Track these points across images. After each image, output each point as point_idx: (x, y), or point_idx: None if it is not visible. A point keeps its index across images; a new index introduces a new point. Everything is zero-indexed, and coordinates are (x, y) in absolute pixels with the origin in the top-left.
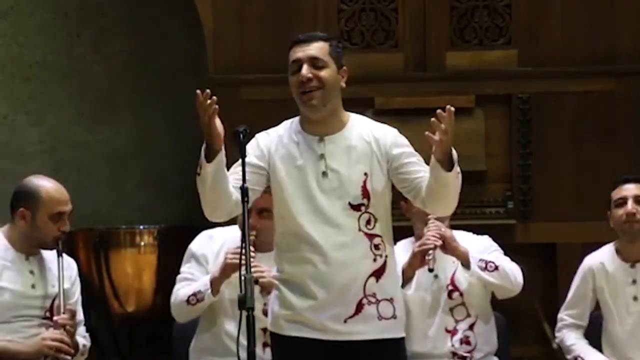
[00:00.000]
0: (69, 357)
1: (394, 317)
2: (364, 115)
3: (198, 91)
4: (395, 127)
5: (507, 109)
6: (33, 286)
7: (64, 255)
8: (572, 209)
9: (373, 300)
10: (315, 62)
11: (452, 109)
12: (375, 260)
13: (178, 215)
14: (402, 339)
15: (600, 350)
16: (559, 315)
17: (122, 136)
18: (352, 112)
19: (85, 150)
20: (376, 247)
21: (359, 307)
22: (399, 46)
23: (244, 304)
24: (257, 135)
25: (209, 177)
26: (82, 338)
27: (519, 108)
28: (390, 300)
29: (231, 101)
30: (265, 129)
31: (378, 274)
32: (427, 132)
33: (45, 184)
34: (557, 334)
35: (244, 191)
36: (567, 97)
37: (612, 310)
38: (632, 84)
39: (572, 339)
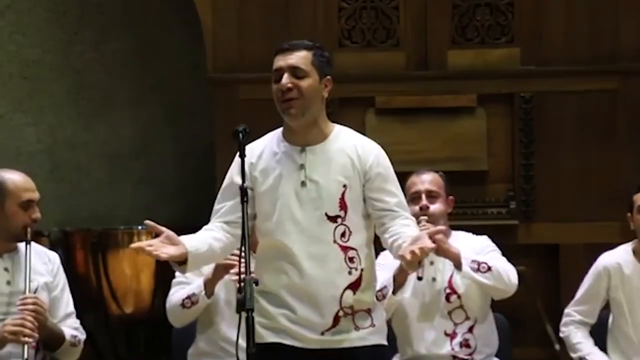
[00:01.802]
0: (30, 340)
1: (372, 325)
2: (364, 114)
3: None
4: (396, 126)
5: (509, 108)
6: (8, 283)
7: (45, 249)
8: (574, 209)
9: (349, 312)
10: (295, 72)
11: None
12: (350, 273)
13: (177, 215)
14: (382, 346)
15: (605, 350)
16: (566, 310)
17: (121, 136)
18: (353, 112)
19: (84, 149)
20: (350, 259)
21: (336, 320)
22: (400, 45)
23: (243, 305)
24: (237, 154)
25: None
26: (74, 330)
27: (521, 107)
28: (368, 311)
29: (230, 100)
30: (264, 128)
31: (354, 287)
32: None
33: (9, 175)
34: (562, 329)
35: (243, 191)
36: (570, 96)
37: (625, 312)
38: (635, 83)
39: (578, 337)
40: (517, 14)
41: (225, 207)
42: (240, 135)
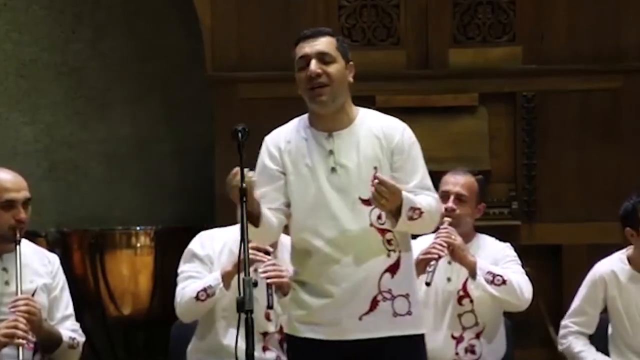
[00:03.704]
0: (24, 341)
1: (408, 313)
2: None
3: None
4: None
5: (511, 107)
6: (7, 283)
7: (45, 250)
8: (577, 210)
9: (388, 296)
10: (323, 57)
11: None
12: (388, 255)
13: (175, 216)
14: (419, 335)
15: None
16: (563, 323)
17: (119, 135)
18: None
19: (81, 149)
20: (389, 242)
21: (374, 304)
22: (400, 43)
23: (243, 306)
24: (266, 139)
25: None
26: (72, 332)
27: (523, 106)
28: (406, 296)
29: (229, 99)
30: (264, 128)
31: (393, 269)
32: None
33: None
34: (561, 341)
35: (242, 191)
36: (573, 95)
37: (624, 320)
38: (638, 82)
39: (579, 345)
40: (519, 12)
41: (265, 192)
42: (240, 134)
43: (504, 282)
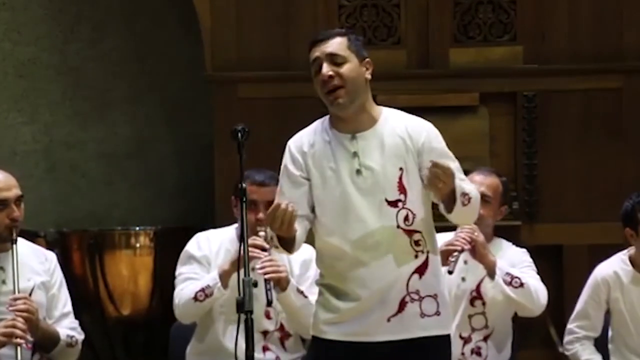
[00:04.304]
0: (22, 341)
1: (437, 313)
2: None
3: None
4: None
5: (512, 107)
6: (4, 282)
7: (42, 248)
8: (578, 210)
9: (416, 297)
10: (334, 59)
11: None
12: (416, 256)
13: (175, 216)
14: (446, 336)
15: (607, 356)
16: (569, 327)
17: (118, 135)
18: None
19: (80, 149)
20: (417, 243)
21: (402, 305)
22: (401, 43)
23: (242, 307)
24: (289, 143)
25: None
26: (70, 330)
27: (524, 106)
28: (434, 296)
29: (229, 99)
30: (263, 127)
31: (421, 270)
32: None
33: None
34: (567, 347)
35: (242, 190)
36: (574, 95)
37: (627, 321)
38: (639, 82)
39: (586, 353)
40: (520, 12)
41: (290, 199)
42: (239, 134)
43: (521, 284)
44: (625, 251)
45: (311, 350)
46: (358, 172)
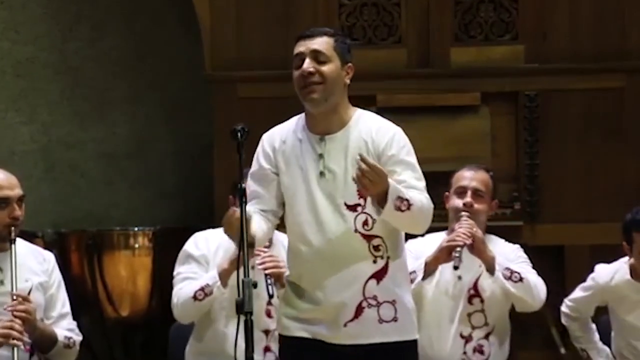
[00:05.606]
0: (19, 343)
1: (394, 319)
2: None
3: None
4: (398, 126)
5: (513, 106)
6: (1, 282)
7: (40, 248)
8: (580, 210)
9: (373, 303)
10: (317, 57)
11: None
12: (375, 261)
13: (174, 216)
14: (408, 342)
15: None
16: (566, 301)
17: (117, 135)
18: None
19: (79, 149)
20: (376, 248)
21: (359, 310)
22: (401, 42)
23: (242, 307)
24: (263, 137)
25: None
26: (68, 331)
27: (525, 106)
28: (392, 302)
29: (228, 99)
30: (263, 127)
31: (379, 275)
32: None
33: None
34: (563, 318)
35: (241, 191)
36: (576, 94)
37: (627, 324)
38: None
39: (578, 330)
40: (521, 11)
41: (258, 193)
42: (239, 134)
43: (521, 279)
44: (626, 258)
45: (280, 350)
46: (322, 174)
